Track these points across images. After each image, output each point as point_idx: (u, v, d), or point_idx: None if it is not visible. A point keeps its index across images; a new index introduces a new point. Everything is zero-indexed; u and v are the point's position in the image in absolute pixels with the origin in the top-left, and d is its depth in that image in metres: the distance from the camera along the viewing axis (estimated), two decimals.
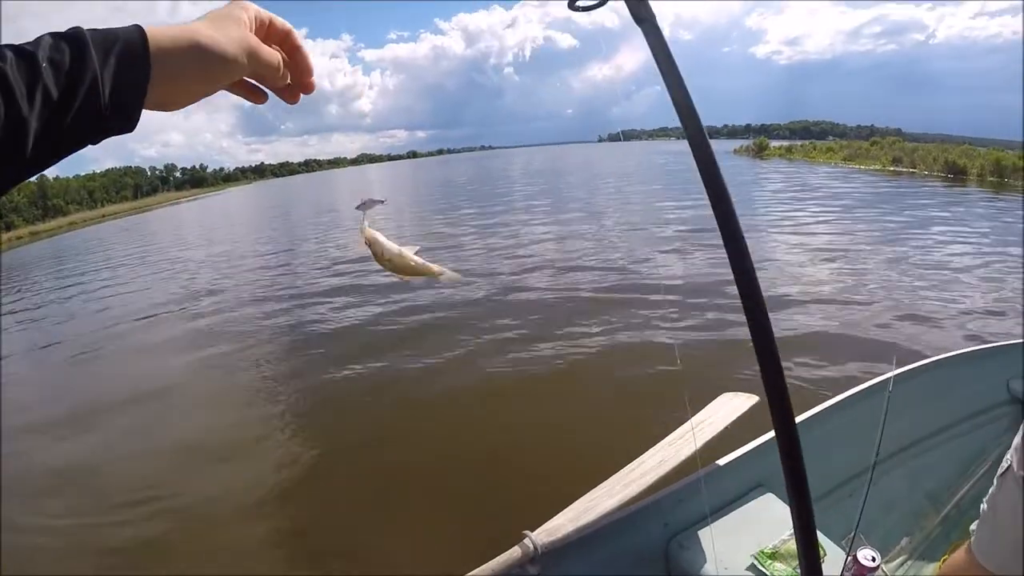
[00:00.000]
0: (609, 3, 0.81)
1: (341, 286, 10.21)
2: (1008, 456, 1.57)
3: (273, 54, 0.65)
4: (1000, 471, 1.58)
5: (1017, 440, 1.54)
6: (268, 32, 0.66)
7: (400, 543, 3.45)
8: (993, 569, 1.72)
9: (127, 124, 0.55)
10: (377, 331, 7.44)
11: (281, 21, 0.67)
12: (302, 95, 0.72)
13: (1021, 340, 2.93)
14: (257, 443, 4.88)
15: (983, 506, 1.69)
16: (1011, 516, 1.55)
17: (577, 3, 0.78)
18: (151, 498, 4.23)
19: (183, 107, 0.61)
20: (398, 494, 3.93)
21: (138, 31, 0.54)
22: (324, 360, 6.68)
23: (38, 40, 0.51)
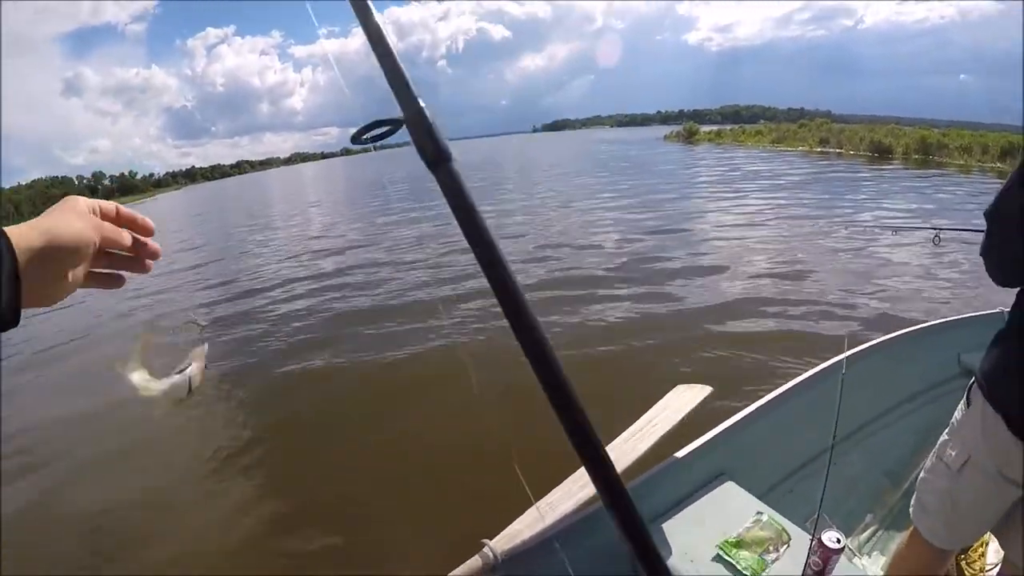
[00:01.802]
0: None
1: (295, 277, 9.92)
2: (958, 449, 1.56)
3: (115, 228, 0.70)
4: (954, 466, 1.56)
5: (968, 431, 1.53)
6: (101, 215, 0.71)
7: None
8: (954, 548, 1.73)
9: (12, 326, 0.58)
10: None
11: (106, 203, 0.72)
12: (148, 263, 0.76)
13: (970, 314, 3.01)
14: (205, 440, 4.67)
15: (921, 495, 1.69)
16: (978, 503, 1.54)
17: (363, 136, 0.69)
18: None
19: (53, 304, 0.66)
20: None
21: (7, 245, 0.57)
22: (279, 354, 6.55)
23: None
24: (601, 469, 0.63)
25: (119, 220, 0.73)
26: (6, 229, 0.59)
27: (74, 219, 0.65)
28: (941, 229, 2.97)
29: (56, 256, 0.62)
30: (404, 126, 0.64)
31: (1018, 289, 1.38)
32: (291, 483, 4.13)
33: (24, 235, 0.59)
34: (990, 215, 1.34)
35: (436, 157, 0.62)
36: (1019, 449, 1.36)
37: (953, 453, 1.57)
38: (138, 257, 0.75)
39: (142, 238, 0.75)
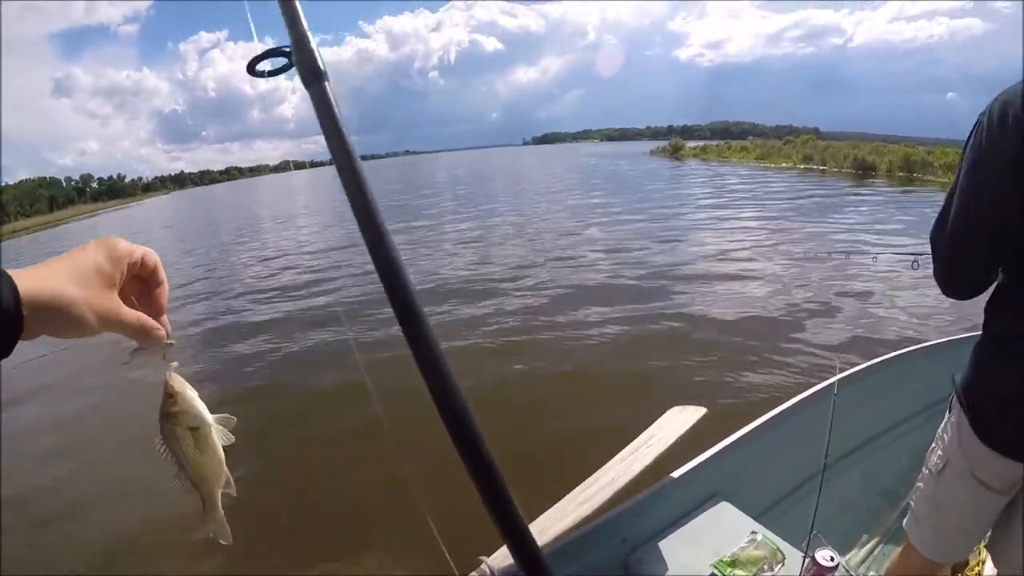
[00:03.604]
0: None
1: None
2: (939, 455, 1.62)
3: (133, 318, 0.63)
4: (936, 470, 1.62)
5: (948, 437, 1.59)
6: (140, 269, 0.65)
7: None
8: (944, 560, 1.77)
9: None
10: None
11: (152, 257, 0.66)
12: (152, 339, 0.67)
13: (963, 335, 3.04)
14: None
15: (913, 505, 1.74)
16: (959, 509, 1.60)
17: (256, 67, 0.70)
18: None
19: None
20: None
21: (11, 290, 0.52)
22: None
23: None
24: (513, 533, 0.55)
25: (150, 276, 0.67)
26: (21, 271, 0.54)
27: (98, 308, 0.58)
28: (919, 255, 2.99)
29: (47, 323, 0.56)
30: (292, 54, 0.66)
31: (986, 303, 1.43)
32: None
33: (42, 298, 0.54)
34: (933, 238, 1.41)
35: (312, 75, 0.64)
36: (986, 454, 1.43)
37: (935, 458, 1.64)
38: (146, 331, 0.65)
39: (151, 326, 0.65)
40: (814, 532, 1.63)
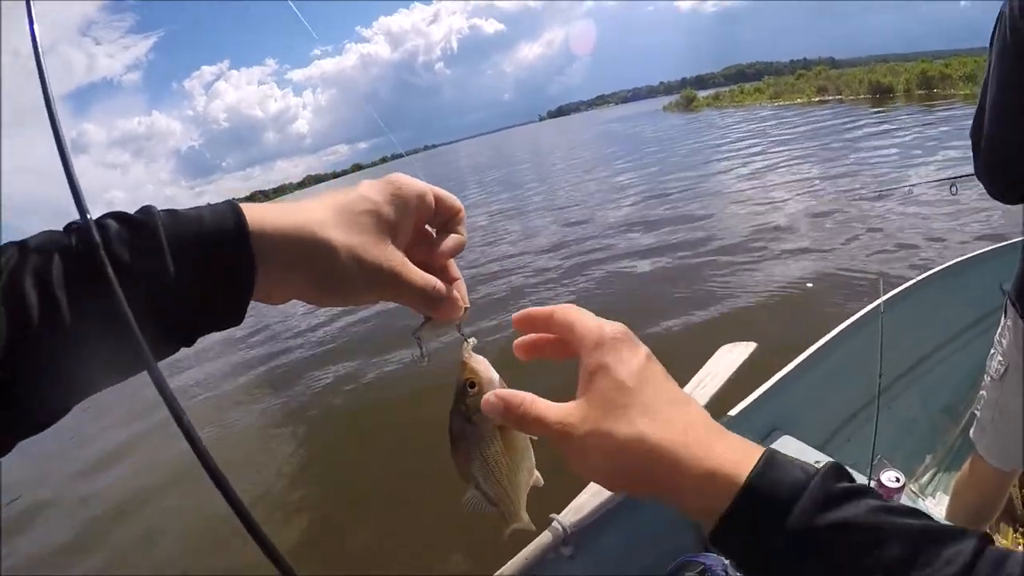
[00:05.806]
0: None
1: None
2: (999, 360, 1.60)
3: (423, 280, 0.48)
4: (997, 375, 1.61)
5: (1007, 341, 1.57)
6: (435, 213, 0.51)
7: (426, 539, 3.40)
8: (1013, 467, 1.75)
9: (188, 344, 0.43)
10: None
11: (451, 200, 0.51)
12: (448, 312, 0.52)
13: (1005, 243, 2.96)
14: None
15: (978, 414, 1.72)
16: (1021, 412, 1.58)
17: None
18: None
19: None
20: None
21: (237, 221, 0.41)
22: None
23: (102, 223, 0.39)
24: None
25: (446, 226, 0.52)
26: (256, 204, 0.44)
27: (369, 243, 0.44)
28: (957, 178, 2.85)
29: (290, 271, 0.43)
30: None
31: None
32: None
33: (263, 217, 0.42)
34: (973, 135, 1.35)
35: None
36: None
37: (995, 364, 1.64)
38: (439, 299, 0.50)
39: (444, 292, 0.50)
40: (878, 456, 1.63)
